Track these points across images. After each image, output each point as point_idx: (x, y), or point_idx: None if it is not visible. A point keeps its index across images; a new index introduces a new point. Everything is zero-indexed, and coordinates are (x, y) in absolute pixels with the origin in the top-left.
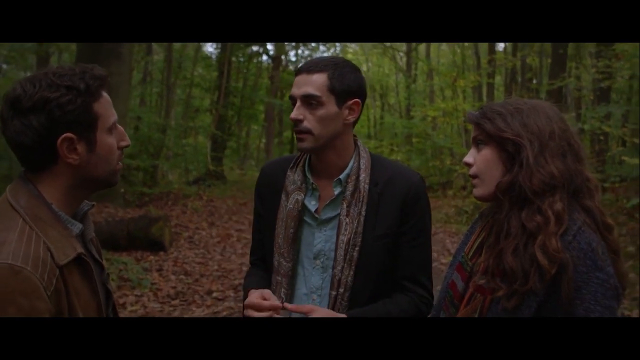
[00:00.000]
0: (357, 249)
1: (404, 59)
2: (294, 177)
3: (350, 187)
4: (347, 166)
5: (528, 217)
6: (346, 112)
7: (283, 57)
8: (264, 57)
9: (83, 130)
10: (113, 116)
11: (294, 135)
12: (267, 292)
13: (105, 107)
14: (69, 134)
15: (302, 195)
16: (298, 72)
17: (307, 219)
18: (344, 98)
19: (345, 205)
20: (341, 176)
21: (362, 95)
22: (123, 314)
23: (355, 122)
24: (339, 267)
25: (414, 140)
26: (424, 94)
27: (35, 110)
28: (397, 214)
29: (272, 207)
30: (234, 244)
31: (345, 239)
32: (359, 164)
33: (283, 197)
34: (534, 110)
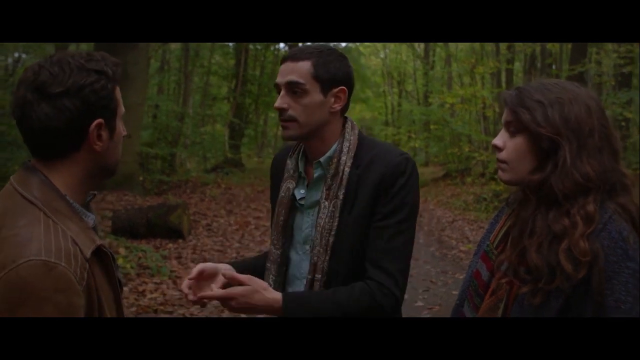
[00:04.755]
0: (332, 232)
1: (422, 46)
2: (289, 165)
3: (331, 170)
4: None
5: (555, 219)
6: (332, 100)
7: (300, 44)
8: (281, 45)
9: (109, 117)
10: (122, 104)
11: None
12: (204, 265)
13: (119, 94)
14: (100, 120)
15: (294, 183)
16: (283, 60)
17: (297, 204)
18: (329, 86)
19: (325, 189)
20: (321, 159)
21: (348, 84)
22: (142, 301)
23: (344, 110)
24: (315, 251)
25: (431, 127)
26: (442, 81)
27: (70, 93)
28: (372, 195)
29: (276, 195)
30: (252, 232)
31: (322, 223)
32: (341, 147)
33: (282, 185)
34: (576, 101)
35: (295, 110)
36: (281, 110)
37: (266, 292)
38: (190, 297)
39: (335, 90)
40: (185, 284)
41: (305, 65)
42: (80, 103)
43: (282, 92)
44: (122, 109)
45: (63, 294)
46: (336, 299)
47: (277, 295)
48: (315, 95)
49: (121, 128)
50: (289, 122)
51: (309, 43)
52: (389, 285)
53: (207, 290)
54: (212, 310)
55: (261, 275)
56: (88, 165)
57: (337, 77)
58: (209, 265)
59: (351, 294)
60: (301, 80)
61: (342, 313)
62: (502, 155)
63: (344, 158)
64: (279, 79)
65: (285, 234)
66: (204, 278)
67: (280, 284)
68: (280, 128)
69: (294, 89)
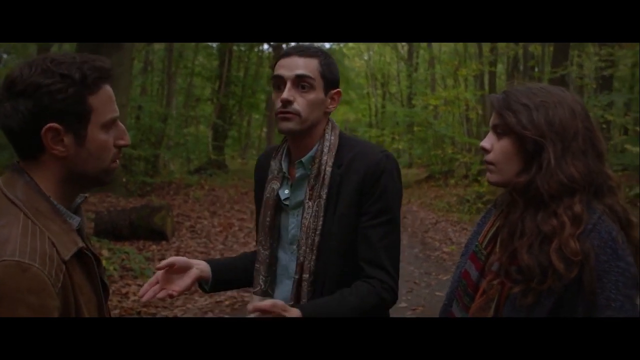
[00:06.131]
0: (317, 232)
1: (406, 48)
2: (273, 166)
3: (314, 170)
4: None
5: (543, 220)
6: (329, 100)
7: (284, 46)
8: (265, 46)
9: (72, 122)
10: (112, 112)
11: (277, 117)
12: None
13: (103, 101)
14: (54, 124)
15: (278, 184)
16: (286, 54)
17: (282, 205)
18: (330, 86)
19: (308, 189)
20: (303, 159)
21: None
22: (126, 303)
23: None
24: (301, 251)
25: (415, 129)
26: (425, 83)
27: (25, 94)
28: (356, 194)
29: (261, 196)
30: (236, 233)
31: (307, 223)
32: (322, 147)
33: (266, 185)
34: (561, 105)
35: (300, 104)
36: (287, 103)
37: (286, 312)
38: (149, 294)
39: (333, 91)
40: (151, 279)
41: (314, 62)
42: (32, 105)
43: (289, 85)
44: (102, 116)
45: (36, 295)
46: (349, 303)
47: (297, 313)
48: (319, 93)
49: (102, 136)
50: (292, 114)
51: (293, 43)
52: (388, 281)
53: (177, 284)
54: (195, 312)
55: (240, 275)
56: (60, 170)
57: (336, 80)
58: (181, 259)
59: (360, 296)
60: (311, 75)
61: (357, 316)
62: (490, 157)
63: (325, 158)
64: (285, 72)
65: (273, 235)
66: (175, 271)
67: (271, 284)
68: (279, 120)
69: (302, 83)
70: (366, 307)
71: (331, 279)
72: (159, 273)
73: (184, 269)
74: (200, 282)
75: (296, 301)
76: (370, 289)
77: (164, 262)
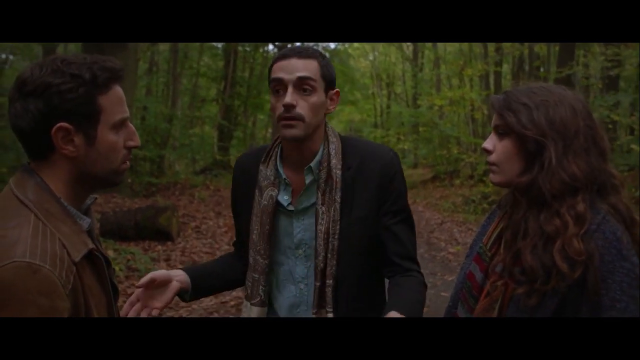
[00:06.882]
0: (336, 236)
1: (411, 48)
2: (266, 172)
3: (323, 175)
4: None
5: (546, 220)
6: (329, 101)
7: (289, 46)
8: (270, 47)
9: (82, 122)
10: (121, 113)
11: (279, 123)
12: (159, 274)
13: (113, 102)
14: (64, 124)
15: (276, 190)
16: (283, 56)
17: (283, 210)
18: (329, 87)
19: (320, 194)
20: (312, 164)
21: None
22: None
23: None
24: (321, 257)
25: (420, 129)
26: (430, 83)
27: (36, 94)
28: (374, 195)
29: (247, 202)
30: None
31: (324, 228)
32: (328, 150)
33: (257, 192)
34: (561, 103)
35: (303, 109)
36: (290, 107)
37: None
38: (131, 315)
39: (332, 92)
40: (131, 298)
41: (313, 63)
42: (42, 104)
43: (290, 89)
44: (112, 117)
45: (46, 296)
46: (417, 298)
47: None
48: (320, 95)
49: (112, 137)
50: (297, 120)
51: (297, 43)
52: (421, 271)
53: (159, 300)
54: (201, 313)
55: (218, 281)
56: (70, 171)
57: (334, 80)
58: (160, 273)
59: (417, 290)
60: (313, 77)
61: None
62: (492, 158)
63: (334, 161)
64: (284, 75)
65: (270, 242)
66: (156, 286)
67: (268, 292)
68: (282, 128)
69: (304, 86)
70: (424, 299)
71: (352, 282)
72: (139, 291)
73: (165, 283)
74: (180, 293)
75: (319, 307)
76: (417, 281)
77: (143, 280)
